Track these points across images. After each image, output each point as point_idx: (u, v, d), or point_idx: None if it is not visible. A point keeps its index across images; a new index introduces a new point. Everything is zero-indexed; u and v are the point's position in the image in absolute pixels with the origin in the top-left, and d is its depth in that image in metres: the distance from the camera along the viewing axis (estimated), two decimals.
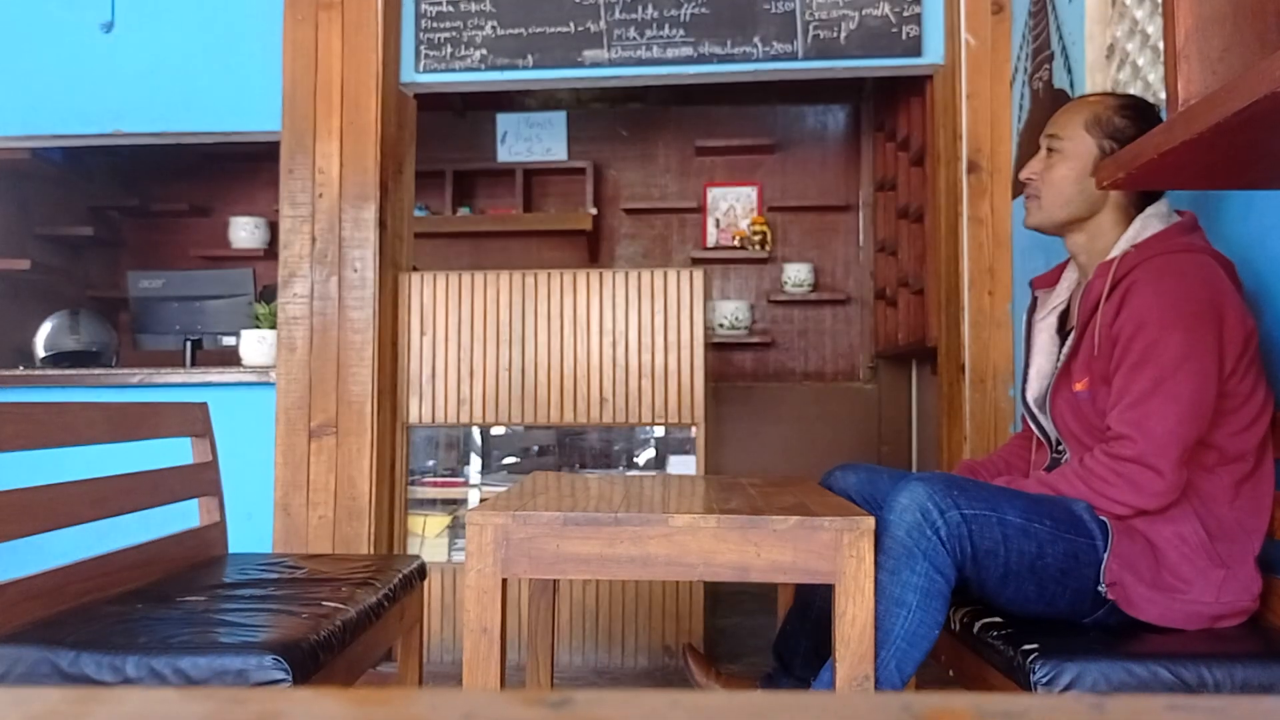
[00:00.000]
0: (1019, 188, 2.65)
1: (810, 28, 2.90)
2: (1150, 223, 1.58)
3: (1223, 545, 1.48)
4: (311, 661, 1.41)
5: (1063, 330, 1.75)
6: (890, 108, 4.43)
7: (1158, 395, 1.45)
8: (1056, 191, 1.65)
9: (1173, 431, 1.44)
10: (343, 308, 2.90)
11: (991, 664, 1.46)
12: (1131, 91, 2.10)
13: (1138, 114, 1.61)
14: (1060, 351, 1.69)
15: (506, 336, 3.01)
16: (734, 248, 4.91)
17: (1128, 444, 1.47)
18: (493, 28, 3.01)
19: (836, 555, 1.29)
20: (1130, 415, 1.47)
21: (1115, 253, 1.58)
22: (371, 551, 2.85)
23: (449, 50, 3.03)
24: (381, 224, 2.94)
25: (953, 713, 0.26)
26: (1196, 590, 1.45)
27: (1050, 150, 1.67)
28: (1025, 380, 1.78)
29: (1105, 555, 1.44)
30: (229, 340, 3.64)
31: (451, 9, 3.03)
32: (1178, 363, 1.44)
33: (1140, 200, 1.62)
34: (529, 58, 3.00)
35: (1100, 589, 1.44)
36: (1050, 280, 1.82)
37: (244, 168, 4.93)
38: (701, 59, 2.94)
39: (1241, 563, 1.48)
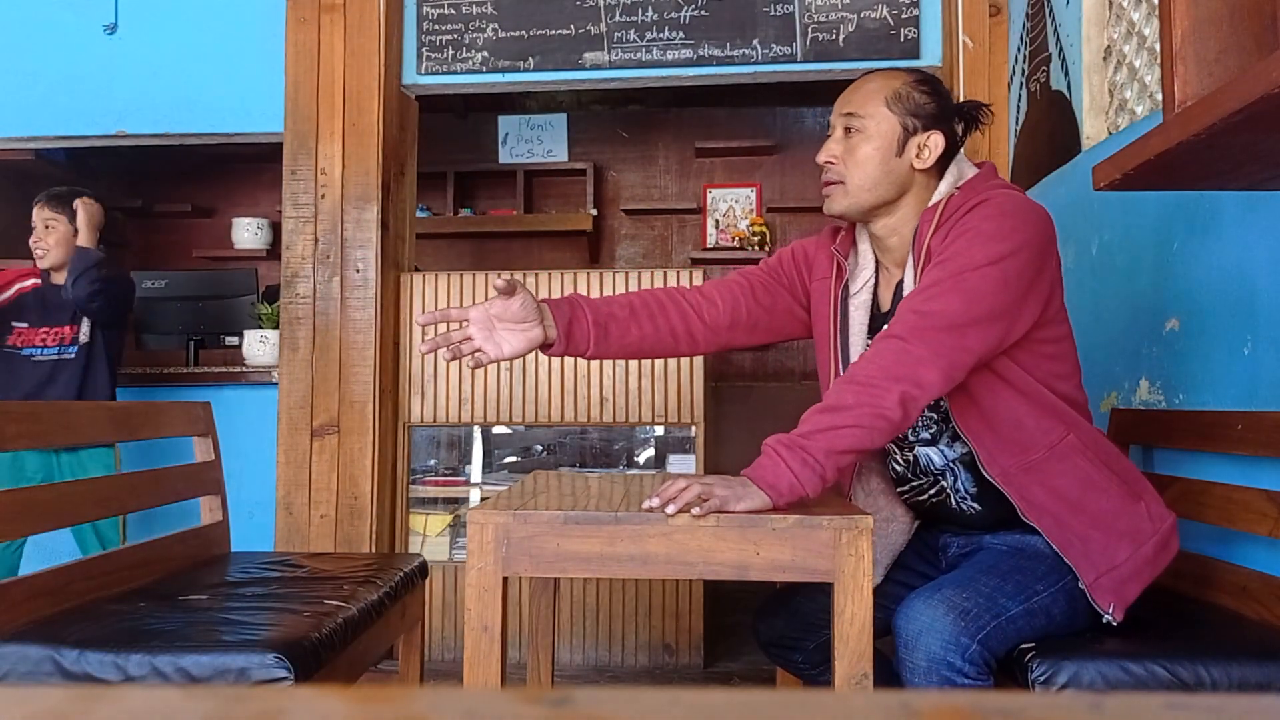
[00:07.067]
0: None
1: (809, 30, 2.91)
2: (965, 168, 1.52)
3: (1128, 476, 1.48)
4: (313, 660, 1.42)
5: (874, 325, 1.59)
6: None
7: (948, 284, 1.37)
8: (864, 173, 1.50)
9: (945, 312, 1.35)
10: (345, 308, 2.91)
11: None
12: (1127, 94, 2.11)
13: (934, 89, 1.53)
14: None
15: None
16: (733, 248, 4.92)
17: (891, 327, 1.38)
18: (494, 30, 3.02)
19: (835, 554, 1.30)
20: (910, 302, 1.40)
21: (938, 197, 1.50)
22: (373, 550, 2.86)
23: (451, 52, 3.04)
24: (383, 225, 2.95)
25: (951, 711, 0.27)
26: (1136, 534, 1.43)
27: (850, 130, 1.52)
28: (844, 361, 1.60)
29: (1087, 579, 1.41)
30: (232, 340, 3.65)
31: (453, 11, 3.04)
32: (981, 266, 1.36)
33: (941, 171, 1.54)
34: (530, 60, 3.01)
35: (1106, 619, 1.40)
36: (848, 246, 1.64)
37: (247, 169, 4.94)
38: (701, 61, 2.95)
39: (1144, 485, 1.49)
